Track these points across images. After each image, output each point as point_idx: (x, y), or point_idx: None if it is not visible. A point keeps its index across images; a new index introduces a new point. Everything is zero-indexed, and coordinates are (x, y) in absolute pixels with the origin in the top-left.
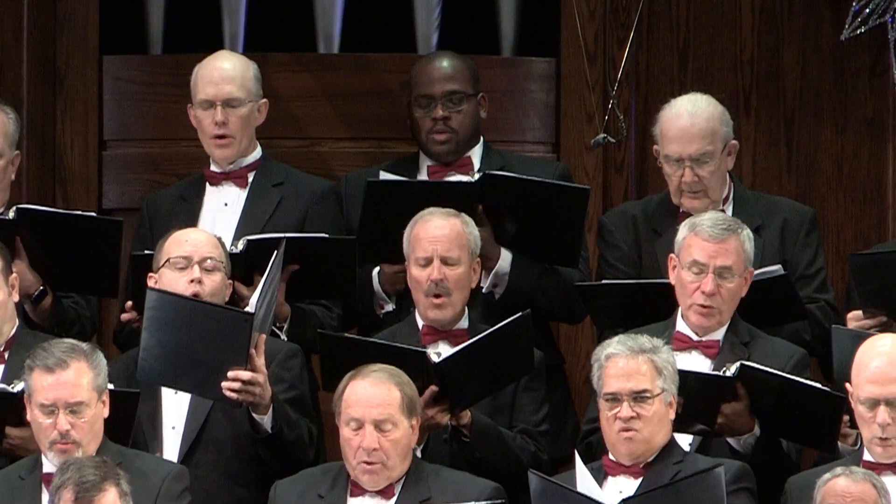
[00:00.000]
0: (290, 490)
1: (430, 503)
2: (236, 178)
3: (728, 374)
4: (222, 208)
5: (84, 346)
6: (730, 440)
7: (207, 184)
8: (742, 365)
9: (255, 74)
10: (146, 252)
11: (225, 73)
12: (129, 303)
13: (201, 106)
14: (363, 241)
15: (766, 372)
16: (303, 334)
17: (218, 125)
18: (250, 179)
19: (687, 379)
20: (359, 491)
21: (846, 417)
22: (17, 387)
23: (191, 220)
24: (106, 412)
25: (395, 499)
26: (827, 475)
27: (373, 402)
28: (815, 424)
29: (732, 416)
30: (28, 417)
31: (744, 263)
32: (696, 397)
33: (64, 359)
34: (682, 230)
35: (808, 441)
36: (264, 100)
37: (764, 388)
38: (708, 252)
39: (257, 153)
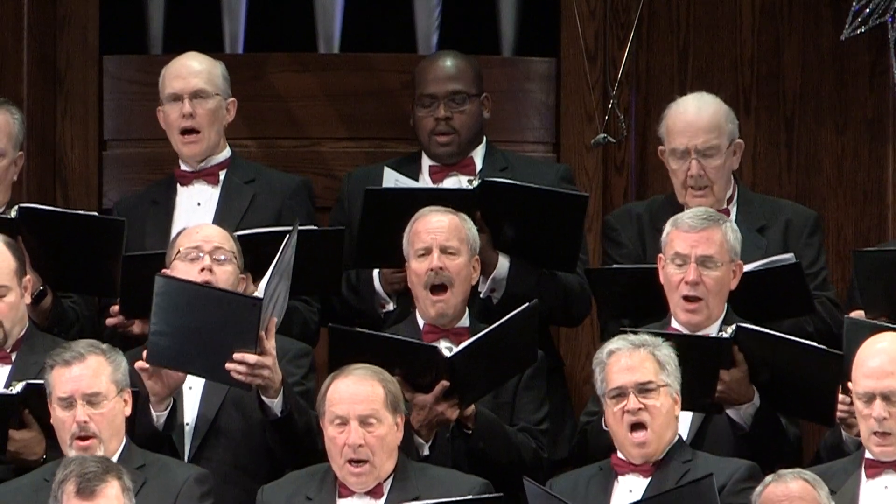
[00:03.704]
0: (278, 493)
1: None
2: (207, 176)
3: (724, 336)
4: (195, 208)
5: (103, 345)
6: (730, 412)
7: (178, 184)
8: (738, 326)
9: (223, 73)
10: (136, 253)
11: (192, 68)
12: (115, 307)
13: (169, 100)
14: (362, 247)
15: (763, 332)
16: (288, 331)
17: (185, 117)
18: (222, 177)
19: (684, 346)
20: (347, 492)
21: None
22: (17, 388)
23: (165, 222)
24: (128, 411)
25: (384, 498)
26: (759, 487)
27: (356, 399)
28: (813, 389)
29: (732, 384)
30: (51, 420)
31: (728, 254)
32: (694, 366)
33: (82, 353)
34: (667, 227)
35: (807, 412)
36: (232, 99)
37: (761, 351)
38: (689, 242)
39: (227, 152)
